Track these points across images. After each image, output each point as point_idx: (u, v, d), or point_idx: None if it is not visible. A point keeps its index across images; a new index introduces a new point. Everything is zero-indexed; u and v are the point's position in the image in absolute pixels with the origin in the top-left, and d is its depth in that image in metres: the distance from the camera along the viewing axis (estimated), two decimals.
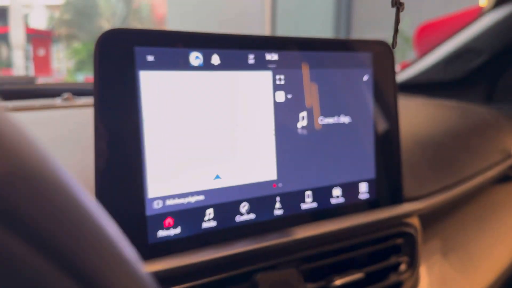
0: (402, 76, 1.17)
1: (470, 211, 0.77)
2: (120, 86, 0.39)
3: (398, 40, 0.37)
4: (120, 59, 0.39)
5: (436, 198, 0.61)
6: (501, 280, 0.68)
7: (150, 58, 0.41)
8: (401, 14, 0.38)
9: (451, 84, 1.10)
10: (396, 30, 0.34)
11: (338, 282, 0.49)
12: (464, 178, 0.68)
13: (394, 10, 0.38)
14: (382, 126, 0.55)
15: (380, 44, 0.55)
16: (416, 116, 0.84)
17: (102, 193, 0.39)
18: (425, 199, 0.60)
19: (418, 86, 1.15)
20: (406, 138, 0.69)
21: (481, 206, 0.81)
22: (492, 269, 0.66)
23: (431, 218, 0.66)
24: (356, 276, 0.51)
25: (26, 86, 0.75)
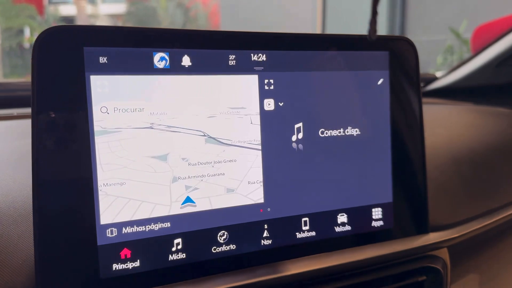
0: (446, 80, 1.05)
1: None
2: (65, 93, 0.33)
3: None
4: (66, 61, 0.33)
5: (471, 227, 0.50)
6: None
7: (102, 60, 0.34)
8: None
9: (504, 88, 0.96)
10: (374, 13, 0.25)
11: None
12: (509, 203, 0.57)
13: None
14: (402, 139, 0.46)
15: (400, 41, 0.46)
16: (457, 126, 0.72)
17: (43, 219, 0.33)
18: (457, 228, 0.49)
19: (466, 91, 1.03)
20: (440, 153, 0.58)
21: None
22: None
23: (466, 251, 0.55)
24: None
25: None
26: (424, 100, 1.03)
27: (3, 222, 0.36)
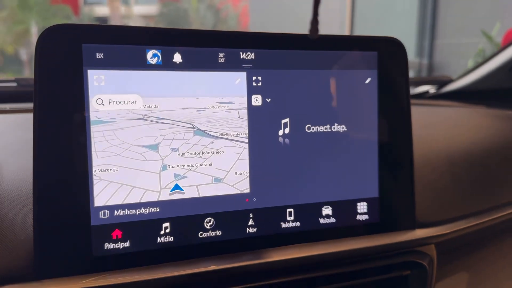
0: (461, 82, 1.04)
1: None
2: (65, 85, 0.37)
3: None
4: (65, 57, 0.37)
5: (460, 226, 0.51)
6: None
7: (99, 55, 0.38)
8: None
9: None
10: (315, 14, 0.27)
11: None
12: (501, 205, 0.57)
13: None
14: (390, 137, 0.47)
15: (389, 41, 0.47)
16: (459, 128, 0.73)
17: (42, 200, 0.36)
18: (445, 226, 0.50)
19: (479, 94, 1.02)
20: (436, 153, 0.59)
21: None
22: None
23: (457, 251, 0.56)
24: None
25: None
26: (437, 102, 1.03)
27: (11, 203, 0.40)
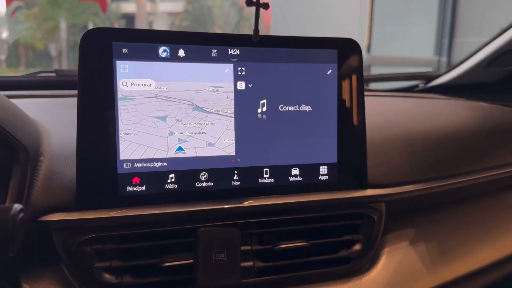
0: (444, 78, 1.16)
1: (471, 211, 0.76)
2: (100, 71, 0.52)
3: None
4: (100, 51, 0.52)
5: (407, 188, 0.64)
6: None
7: (124, 50, 0.52)
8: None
9: (493, 86, 1.06)
10: (256, 20, 0.41)
11: (281, 246, 0.56)
12: (448, 175, 0.69)
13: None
14: (346, 115, 0.61)
15: (347, 41, 0.61)
16: (427, 113, 0.85)
17: (83, 153, 0.51)
18: (394, 188, 0.63)
19: (461, 89, 1.13)
20: (395, 132, 0.72)
21: (492, 207, 0.80)
22: (461, 268, 0.66)
23: (410, 212, 0.69)
24: (300, 244, 0.57)
25: None
26: (424, 95, 1.15)
27: (59, 158, 0.55)
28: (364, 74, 0.63)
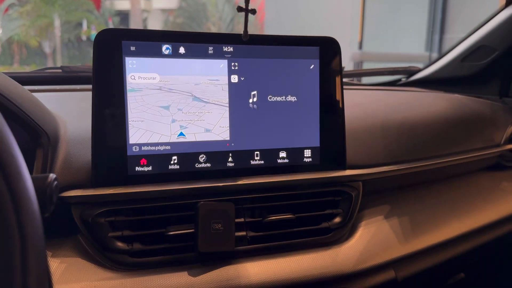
0: (424, 72, 1.25)
1: (442, 192, 0.85)
2: (111, 66, 0.59)
3: None
4: (112, 48, 0.59)
5: (382, 169, 0.73)
6: (440, 257, 0.76)
7: (133, 48, 0.60)
8: None
9: (468, 79, 1.14)
10: (246, 21, 0.49)
11: (270, 218, 0.65)
12: (419, 158, 0.78)
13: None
14: (327, 105, 0.69)
15: (328, 40, 0.69)
16: (407, 106, 0.93)
17: (98, 138, 0.59)
18: (370, 169, 0.72)
19: (440, 82, 1.22)
20: (372, 120, 0.80)
21: (462, 188, 0.88)
22: (430, 239, 0.75)
23: (387, 191, 0.77)
24: (286, 216, 0.65)
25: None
26: (405, 89, 1.23)
27: (74, 143, 0.63)
28: (352, 69, 0.71)
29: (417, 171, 0.77)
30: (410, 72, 1.30)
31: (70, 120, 0.68)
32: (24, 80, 1.00)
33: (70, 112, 0.72)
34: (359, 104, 0.88)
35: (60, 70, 1.02)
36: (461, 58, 1.14)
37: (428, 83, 1.24)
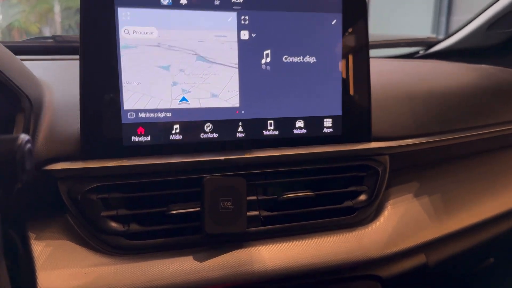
0: (444, 43, 1.15)
1: (473, 167, 0.77)
2: (102, 19, 0.51)
3: None
4: None
5: (410, 142, 0.64)
6: (474, 241, 0.68)
7: None
8: None
9: (495, 49, 1.05)
10: None
11: (286, 196, 0.56)
12: (451, 130, 0.69)
13: None
14: (351, 68, 0.60)
15: None
16: (429, 74, 0.85)
17: (87, 103, 0.51)
18: (398, 141, 0.63)
19: (462, 54, 1.13)
20: (397, 89, 0.72)
21: (496, 164, 0.80)
22: (465, 220, 0.67)
23: (414, 167, 0.69)
24: (305, 194, 0.57)
25: None
26: (423, 61, 1.14)
27: (61, 111, 0.54)
28: None
29: (448, 144, 0.69)
30: (429, 43, 1.21)
31: (58, 87, 0.60)
32: (14, 49, 0.91)
33: (58, 80, 0.63)
34: (380, 72, 0.79)
35: (52, 40, 0.93)
36: (487, 26, 1.04)
37: (449, 55, 1.15)
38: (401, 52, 1.28)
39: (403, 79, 0.77)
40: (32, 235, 0.50)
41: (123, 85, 0.52)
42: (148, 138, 0.54)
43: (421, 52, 1.24)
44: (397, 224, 0.61)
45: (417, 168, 0.70)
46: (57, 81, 0.62)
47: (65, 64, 0.77)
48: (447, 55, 1.16)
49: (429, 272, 0.64)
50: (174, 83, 0.54)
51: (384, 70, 0.82)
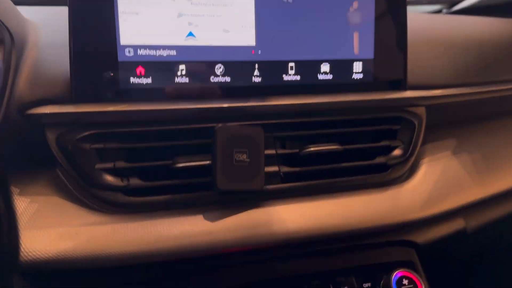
0: (469, 0, 1.06)
1: None
2: None
3: None
4: None
5: (450, 92, 0.56)
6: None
7: None
8: None
9: None
10: None
11: (310, 149, 0.49)
12: (496, 81, 0.61)
13: None
14: (386, 8, 0.52)
15: None
16: (468, 23, 0.76)
17: (77, 37, 0.43)
18: (436, 90, 0.55)
19: (491, 11, 1.03)
20: (435, 35, 0.63)
21: None
22: (507, 181, 0.59)
23: (454, 121, 0.61)
24: (331, 147, 0.49)
25: None
26: (452, 16, 1.04)
27: (48, 49, 0.46)
28: None
29: (490, 97, 0.60)
30: (452, 2, 1.12)
31: (46, 27, 0.52)
32: None
33: (47, 19, 0.55)
34: (410, 20, 0.70)
35: None
36: None
37: (476, 12, 1.06)
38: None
39: (437, 28, 0.68)
40: (15, 190, 0.43)
41: (119, 16, 0.44)
42: (149, 80, 0.46)
43: (444, 11, 1.15)
44: (435, 183, 0.54)
45: (454, 125, 0.62)
46: (46, 22, 0.54)
47: (57, 8, 0.69)
48: (474, 12, 1.06)
49: (466, 241, 0.57)
50: (180, 14, 0.46)
51: (415, 19, 0.73)
